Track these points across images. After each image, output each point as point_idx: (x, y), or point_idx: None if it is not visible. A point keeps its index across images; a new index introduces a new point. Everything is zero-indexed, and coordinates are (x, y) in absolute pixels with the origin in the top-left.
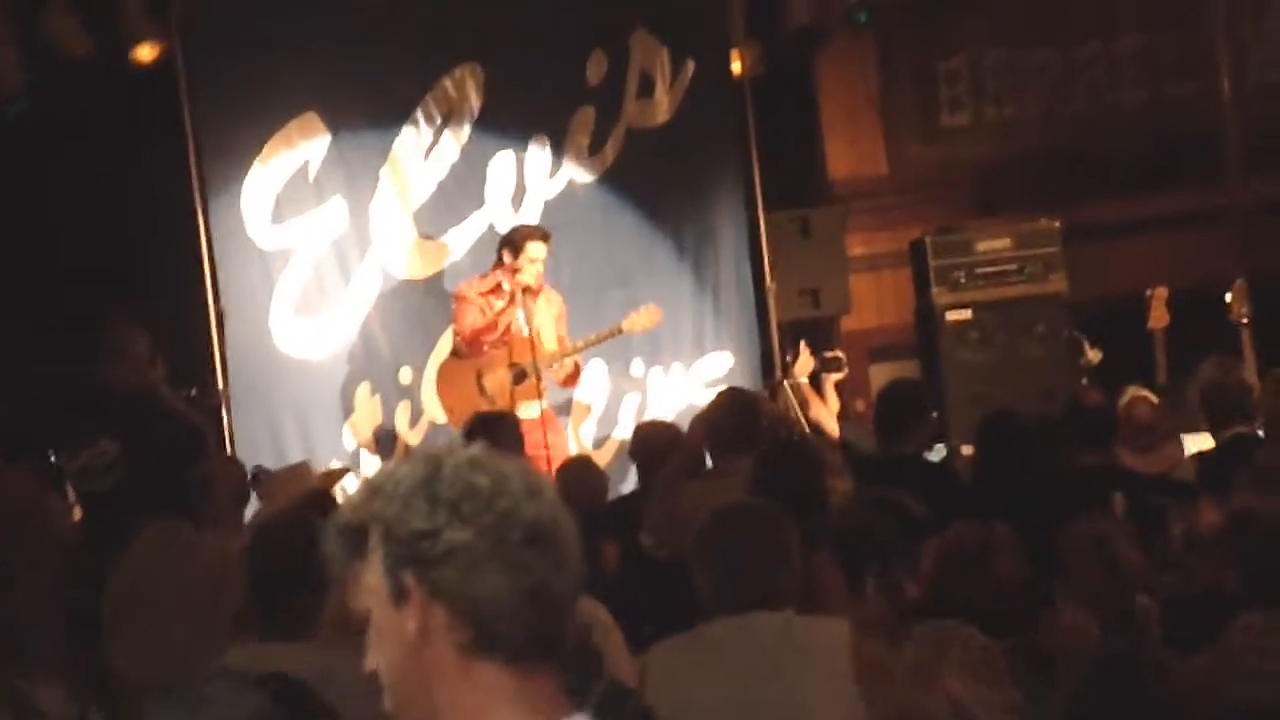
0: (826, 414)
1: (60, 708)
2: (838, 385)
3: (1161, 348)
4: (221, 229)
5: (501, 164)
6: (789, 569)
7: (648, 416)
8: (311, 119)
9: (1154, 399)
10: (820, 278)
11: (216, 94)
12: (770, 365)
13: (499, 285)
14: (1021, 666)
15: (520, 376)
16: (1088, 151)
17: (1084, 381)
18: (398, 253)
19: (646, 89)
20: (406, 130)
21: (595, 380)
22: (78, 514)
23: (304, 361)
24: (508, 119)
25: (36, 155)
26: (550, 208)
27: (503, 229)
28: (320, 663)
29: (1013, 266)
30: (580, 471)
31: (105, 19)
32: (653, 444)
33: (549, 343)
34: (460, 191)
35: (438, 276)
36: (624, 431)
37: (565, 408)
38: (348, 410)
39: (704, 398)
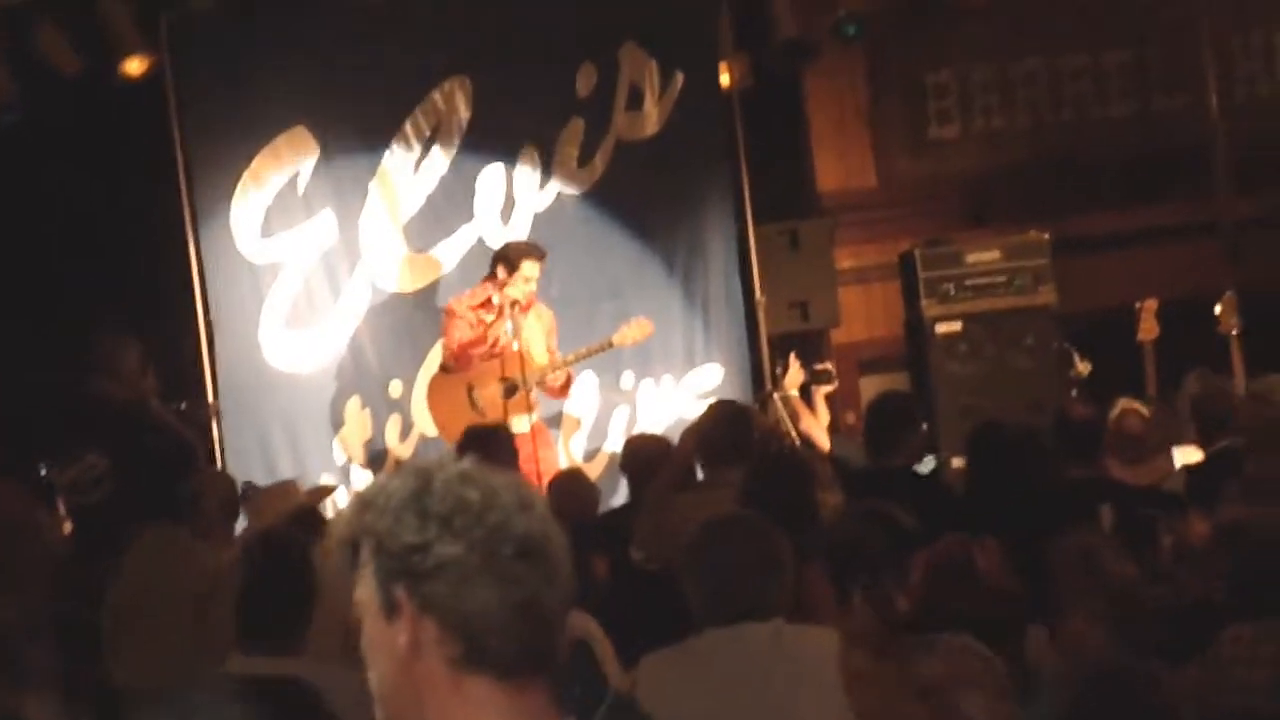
0: (816, 426)
1: (51, 719)
2: (828, 397)
3: (1151, 360)
4: (211, 243)
5: (490, 177)
6: (779, 580)
7: (638, 429)
8: (300, 133)
9: (1144, 411)
10: (809, 290)
11: (205, 109)
12: (760, 378)
13: (489, 299)
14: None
15: (511, 390)
16: (1077, 164)
17: (1074, 393)
18: (387, 266)
19: (635, 101)
20: (395, 144)
21: (585, 393)
22: (68, 527)
23: (294, 375)
24: (497, 131)
25: (26, 169)
26: (540, 220)
27: (492, 242)
28: (309, 677)
29: (1002, 279)
30: (571, 485)
31: (94, 34)
32: (643, 457)
33: (539, 357)
34: (449, 205)
35: (427, 290)
36: (614, 444)
37: (555, 421)
38: (338, 424)
39: (694, 410)
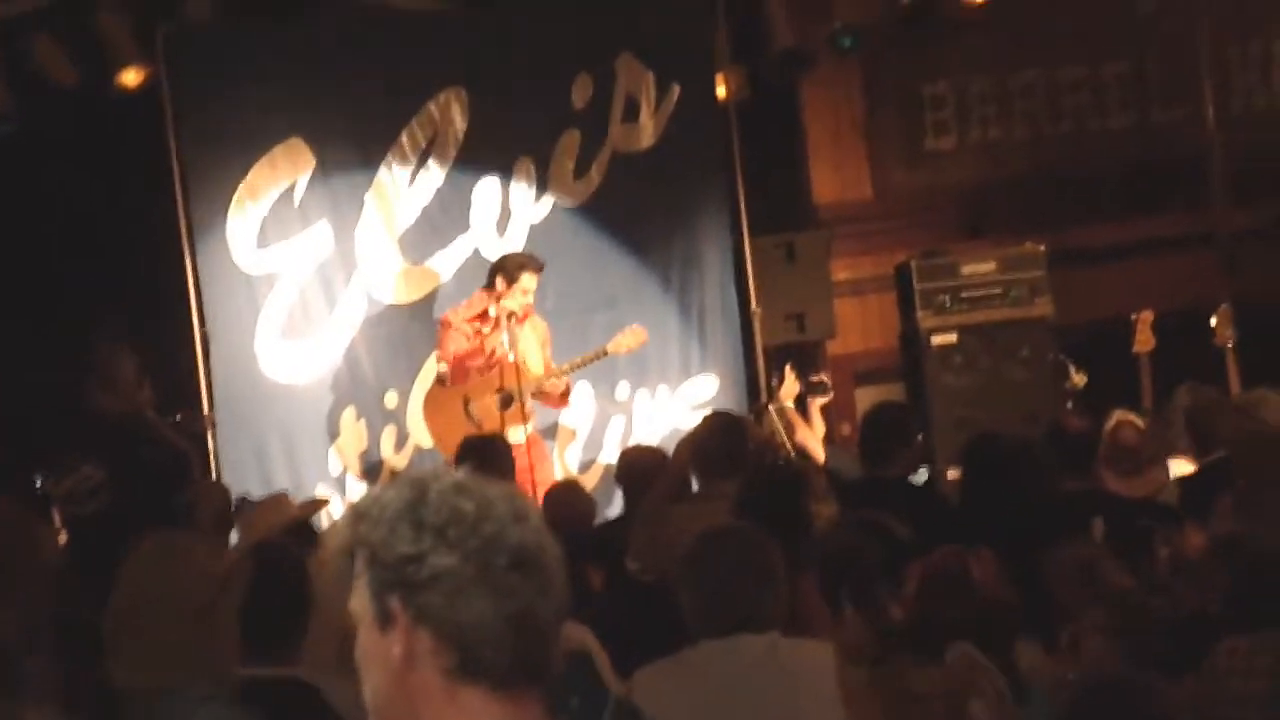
0: (812, 438)
1: None
2: (823, 409)
3: (1147, 372)
4: (207, 254)
5: (486, 189)
6: (774, 592)
7: (633, 441)
8: (297, 145)
9: (1140, 423)
10: (805, 302)
11: (202, 120)
12: (755, 389)
13: (485, 311)
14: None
15: (507, 401)
16: (1073, 175)
17: (1069, 405)
18: (383, 278)
19: (631, 113)
20: (391, 155)
21: (581, 404)
22: (64, 538)
23: (289, 386)
24: (493, 143)
25: (24, 179)
26: (535, 232)
27: (488, 254)
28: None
29: (998, 290)
30: (567, 496)
31: (91, 45)
32: (638, 468)
33: (535, 368)
34: (445, 216)
35: (423, 301)
36: (609, 456)
37: (551, 432)
38: (333, 435)
39: (689, 421)
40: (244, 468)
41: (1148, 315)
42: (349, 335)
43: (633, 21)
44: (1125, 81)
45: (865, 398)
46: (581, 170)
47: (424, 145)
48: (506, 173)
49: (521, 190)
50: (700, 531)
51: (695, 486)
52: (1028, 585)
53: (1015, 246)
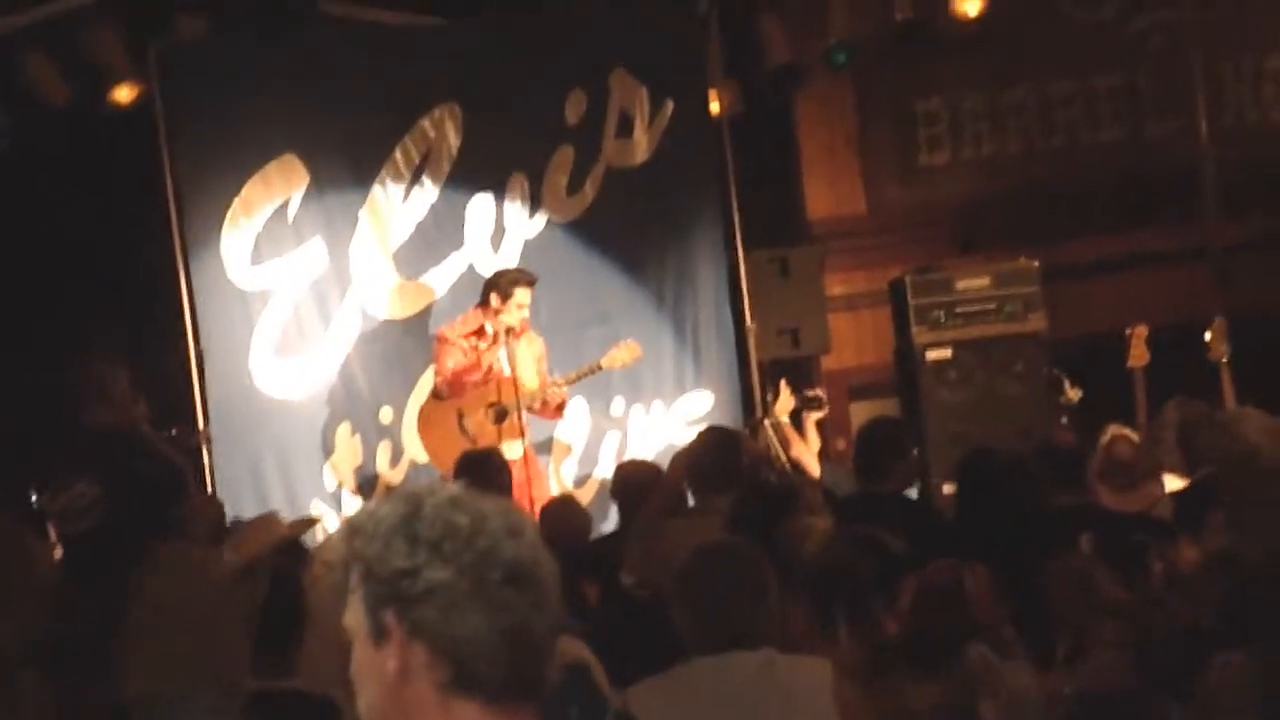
0: (807, 453)
1: None
2: (818, 424)
3: (1141, 386)
4: (201, 270)
5: (480, 204)
6: (768, 608)
7: (628, 456)
8: (290, 161)
9: (1135, 438)
10: (799, 317)
11: (195, 137)
12: (750, 404)
13: (481, 328)
14: None
15: (501, 416)
16: (1066, 190)
17: (1064, 420)
18: (378, 294)
19: (625, 129)
20: (385, 171)
21: (576, 419)
22: (59, 553)
23: (284, 402)
24: (486, 159)
25: (16, 196)
26: (530, 247)
27: (483, 270)
28: None
29: (992, 305)
30: (564, 511)
31: (84, 62)
32: (633, 483)
33: (530, 383)
34: (439, 232)
35: (418, 317)
36: (605, 471)
37: (546, 447)
38: (328, 450)
39: (684, 437)
40: (239, 483)
41: (1142, 330)
42: (344, 351)
43: (626, 37)
44: (1117, 96)
45: (860, 413)
46: (575, 186)
47: (418, 161)
48: (500, 189)
49: (515, 206)
50: (694, 547)
51: (691, 501)
52: (1023, 599)
53: (1009, 261)
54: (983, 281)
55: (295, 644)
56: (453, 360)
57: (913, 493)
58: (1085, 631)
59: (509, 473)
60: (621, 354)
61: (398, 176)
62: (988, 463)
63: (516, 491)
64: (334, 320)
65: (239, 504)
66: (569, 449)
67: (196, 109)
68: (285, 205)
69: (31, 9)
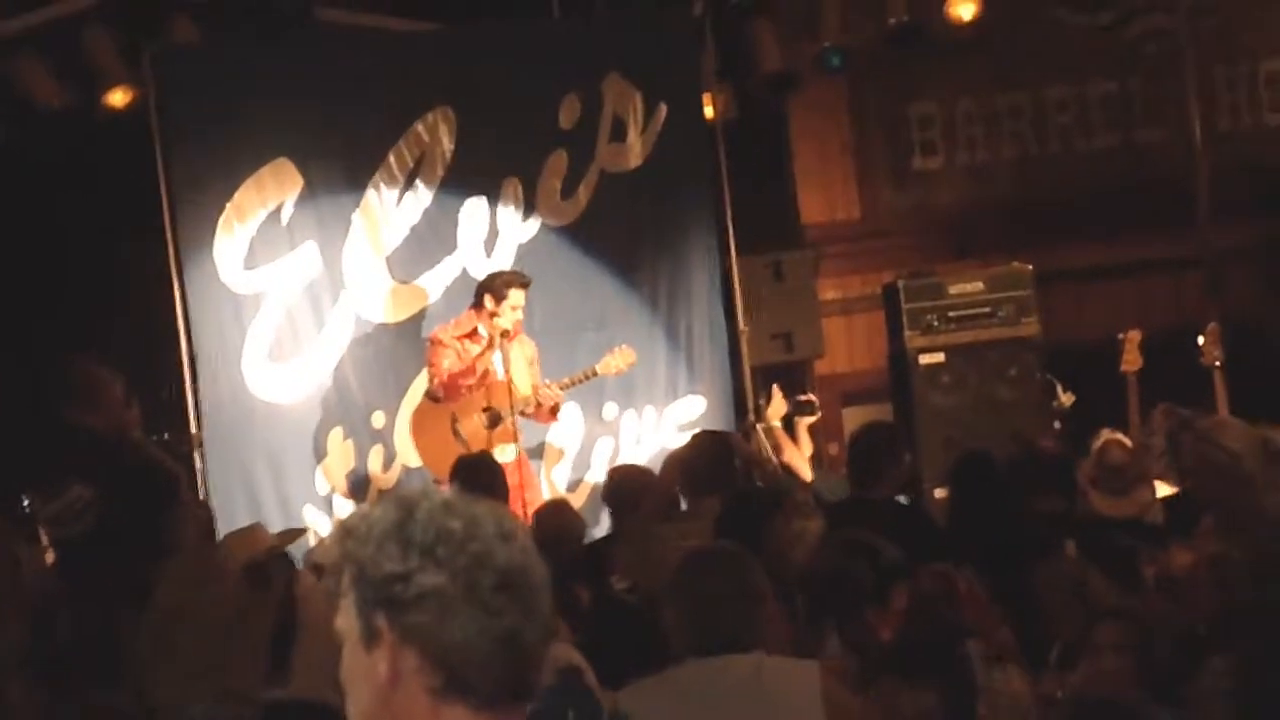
0: (799, 458)
1: None
2: (811, 429)
3: (1134, 391)
4: (194, 274)
5: (474, 208)
6: (760, 612)
7: (620, 460)
8: (284, 165)
9: (1128, 442)
10: (793, 322)
11: (189, 140)
12: (743, 409)
13: (475, 330)
14: None
15: (495, 420)
16: (1060, 195)
17: (1056, 425)
18: (372, 297)
19: (619, 133)
20: (379, 175)
21: (569, 424)
22: (50, 557)
23: (277, 406)
24: (480, 163)
25: (9, 199)
26: (523, 251)
27: (476, 273)
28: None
29: (985, 310)
30: (557, 515)
31: (78, 66)
32: (625, 488)
33: (524, 387)
34: (433, 236)
35: (410, 321)
36: (597, 475)
37: (539, 451)
38: (320, 455)
39: (677, 441)
40: (231, 488)
41: (1135, 335)
42: (336, 355)
43: (620, 42)
44: (1111, 101)
45: (853, 417)
46: (569, 190)
47: (412, 165)
48: (494, 193)
49: (509, 210)
50: (686, 552)
51: (684, 504)
52: (1015, 603)
53: (1002, 266)
54: (976, 286)
55: (290, 651)
56: (447, 362)
57: (902, 498)
58: (1079, 635)
59: (504, 476)
60: (616, 360)
61: (391, 180)
62: (981, 467)
63: (509, 496)
64: (327, 324)
65: (231, 508)
66: (561, 454)
67: (191, 113)
68: (279, 209)
69: (26, 13)
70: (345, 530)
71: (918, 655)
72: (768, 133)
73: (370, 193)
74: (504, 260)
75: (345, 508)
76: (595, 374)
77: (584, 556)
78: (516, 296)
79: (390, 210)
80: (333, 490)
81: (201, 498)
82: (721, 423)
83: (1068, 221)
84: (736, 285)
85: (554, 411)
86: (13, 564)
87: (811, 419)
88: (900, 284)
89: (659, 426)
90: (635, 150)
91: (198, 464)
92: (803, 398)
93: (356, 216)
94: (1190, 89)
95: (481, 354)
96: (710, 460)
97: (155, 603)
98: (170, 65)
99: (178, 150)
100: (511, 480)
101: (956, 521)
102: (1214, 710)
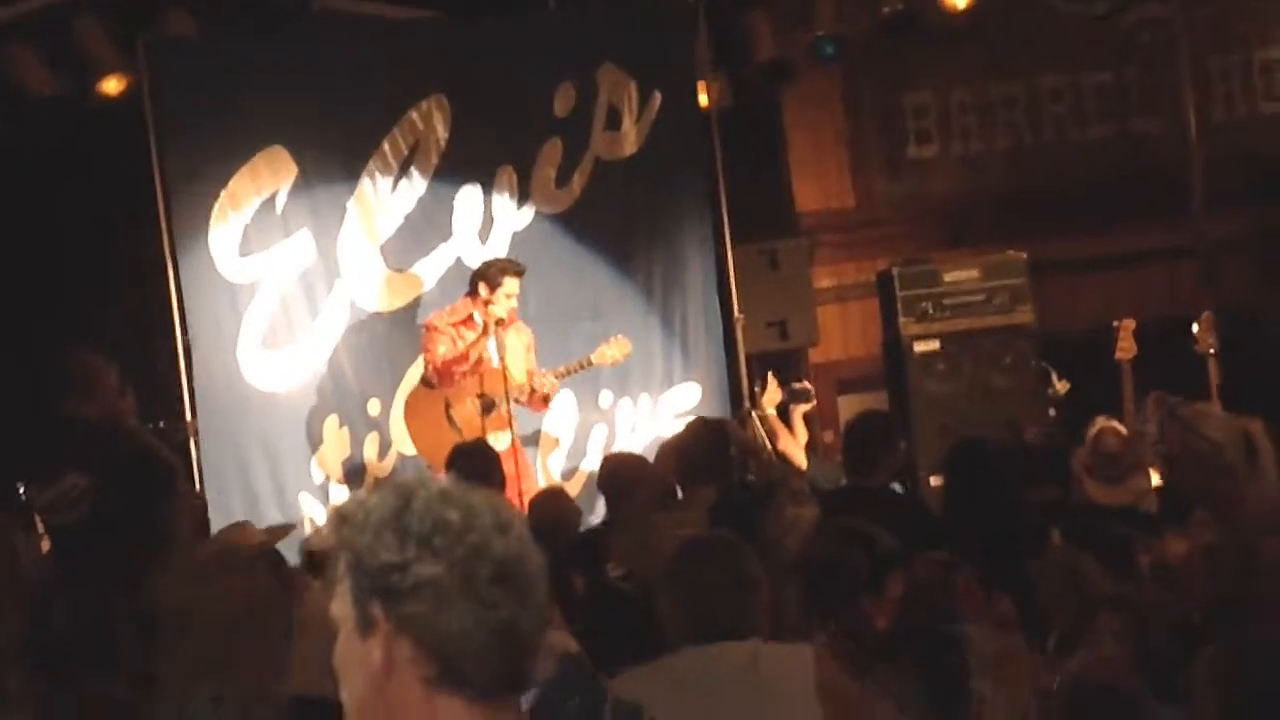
0: (794, 445)
1: None
2: (806, 416)
3: (1129, 379)
4: (189, 262)
5: (469, 196)
6: (756, 600)
7: (616, 448)
8: (279, 153)
9: (1122, 430)
10: (788, 310)
11: (183, 128)
12: (738, 397)
13: (470, 316)
14: None
15: (489, 407)
16: (1054, 184)
17: (1051, 413)
18: (366, 285)
19: (614, 121)
20: (374, 163)
21: (564, 412)
22: (46, 545)
23: (272, 394)
24: (475, 151)
25: (2, 188)
26: (518, 239)
27: (470, 261)
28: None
29: (980, 298)
30: (553, 503)
31: (72, 54)
32: (619, 476)
33: (519, 374)
34: (427, 224)
35: (405, 309)
36: (592, 463)
37: (534, 439)
38: (316, 443)
39: (672, 429)
40: (226, 476)
41: (1129, 323)
42: (331, 343)
43: (615, 30)
44: (1106, 90)
45: (848, 405)
46: (563, 179)
47: (406, 153)
48: (488, 181)
49: (504, 198)
50: (681, 541)
51: (680, 493)
52: (1011, 591)
53: (997, 254)
54: (971, 274)
55: (286, 649)
56: (442, 348)
57: (898, 486)
58: (1076, 623)
59: (501, 464)
60: (612, 350)
61: (386, 168)
62: (976, 455)
63: (505, 483)
64: (322, 312)
65: (226, 496)
66: (556, 441)
67: (185, 101)
68: (273, 197)
69: (19, 1)
70: (341, 517)
71: (912, 644)
72: (762, 121)
73: (365, 181)
74: (499, 248)
75: (341, 495)
76: (590, 364)
77: (579, 544)
78: (511, 284)
79: (385, 198)
80: (328, 478)
81: (197, 486)
82: (716, 410)
83: (1062, 210)
84: (731, 273)
85: (546, 400)
86: (10, 554)
87: (806, 407)
88: (895, 272)
89: (654, 414)
90: (630, 138)
91: (193, 452)
92: (798, 385)
93: (351, 205)
94: (1185, 78)
95: (476, 341)
96: (706, 448)
97: (155, 600)
98: (164, 53)
99: (172, 138)
100: (506, 468)
101: (952, 509)
102: (1209, 700)
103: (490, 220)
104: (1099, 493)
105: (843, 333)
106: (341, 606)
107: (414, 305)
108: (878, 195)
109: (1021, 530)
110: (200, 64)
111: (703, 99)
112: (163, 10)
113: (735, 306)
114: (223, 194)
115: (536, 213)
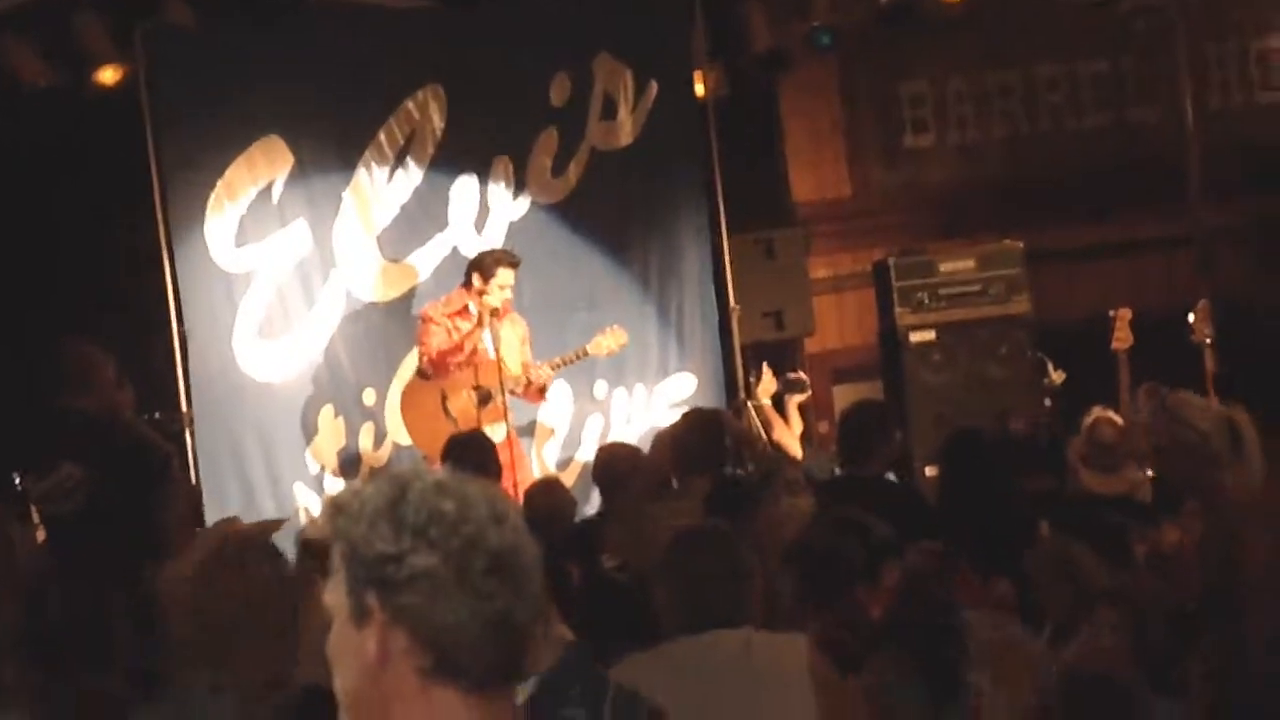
0: (789, 436)
1: None
2: (801, 407)
3: (1125, 369)
4: (185, 252)
5: (464, 186)
6: (750, 590)
7: (611, 438)
8: (275, 142)
9: (1118, 420)
10: (783, 299)
11: (180, 118)
12: (733, 387)
13: (465, 307)
14: None
15: (485, 399)
16: (1051, 174)
17: (1047, 402)
18: (362, 275)
19: (609, 111)
20: (370, 153)
21: (559, 402)
22: (41, 536)
23: (267, 384)
24: (471, 141)
25: None
26: (514, 229)
27: (466, 251)
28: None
29: (976, 288)
30: (548, 494)
31: (68, 44)
32: (614, 466)
33: (514, 366)
34: (423, 214)
35: (401, 299)
36: (587, 454)
37: (529, 430)
38: (311, 433)
39: (667, 420)
40: (221, 466)
41: (1126, 312)
42: (327, 333)
43: (610, 20)
44: (1102, 79)
45: (843, 395)
46: (559, 168)
47: (402, 143)
48: (484, 171)
49: (499, 188)
50: (675, 532)
51: (675, 483)
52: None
53: (993, 244)
54: (967, 264)
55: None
56: (437, 339)
57: (893, 476)
58: (1071, 614)
59: (497, 455)
60: (607, 341)
61: (382, 158)
62: (972, 445)
63: (501, 474)
64: (317, 302)
65: (221, 486)
66: (551, 432)
67: (181, 91)
68: (269, 187)
69: None
70: (336, 507)
71: (908, 633)
72: (758, 111)
73: (361, 171)
74: (494, 238)
75: (336, 486)
76: (586, 354)
77: (574, 535)
78: (505, 275)
79: (381, 188)
80: (323, 468)
81: (192, 476)
82: (712, 401)
83: (1059, 200)
84: (727, 263)
85: (542, 391)
86: (6, 545)
87: (802, 397)
88: (891, 262)
89: (649, 405)
90: (626, 128)
91: (188, 443)
92: (793, 375)
93: (347, 195)
94: (1181, 67)
95: (471, 332)
96: (701, 438)
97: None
98: (160, 43)
99: (168, 128)
100: (502, 458)
101: (947, 499)
102: (1203, 691)
103: (486, 210)
104: (1094, 482)
105: (838, 323)
106: (336, 596)
107: (409, 295)
108: (874, 185)
109: (1016, 520)
110: (197, 54)
111: (699, 89)
112: (161, 3)
113: (731, 296)
114: (219, 184)
115: (532, 203)
